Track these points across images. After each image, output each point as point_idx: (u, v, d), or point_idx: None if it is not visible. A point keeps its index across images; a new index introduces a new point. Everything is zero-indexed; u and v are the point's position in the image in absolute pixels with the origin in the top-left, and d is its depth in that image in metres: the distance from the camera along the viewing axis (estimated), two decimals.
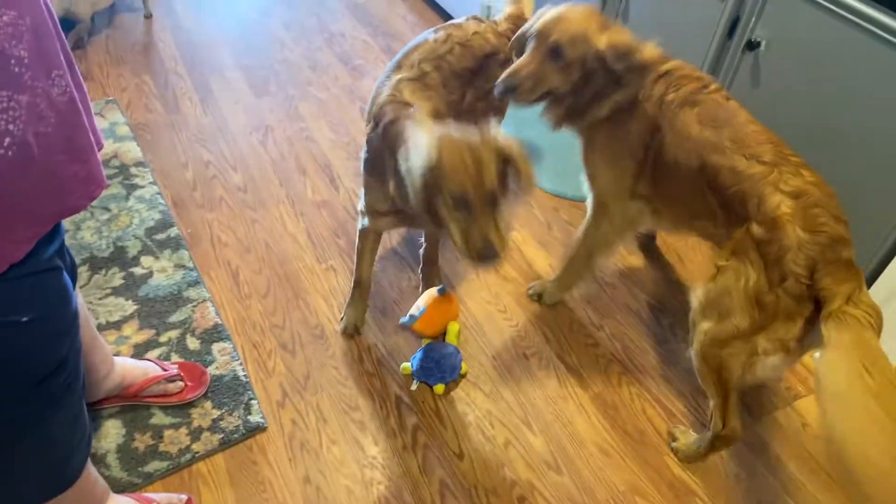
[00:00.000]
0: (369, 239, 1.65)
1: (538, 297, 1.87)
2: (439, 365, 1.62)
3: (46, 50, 0.83)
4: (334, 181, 2.22)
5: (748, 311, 1.25)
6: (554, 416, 1.62)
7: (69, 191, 0.90)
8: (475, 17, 1.67)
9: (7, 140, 0.77)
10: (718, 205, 1.35)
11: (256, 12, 3.06)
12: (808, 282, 1.18)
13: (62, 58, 0.88)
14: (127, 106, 2.45)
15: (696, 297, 1.38)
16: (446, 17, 3.05)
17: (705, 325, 1.35)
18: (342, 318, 1.76)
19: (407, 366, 1.66)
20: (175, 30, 2.89)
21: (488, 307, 1.86)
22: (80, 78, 0.96)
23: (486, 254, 1.19)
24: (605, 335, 1.81)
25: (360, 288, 1.73)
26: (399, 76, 1.46)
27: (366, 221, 1.58)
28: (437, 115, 1.39)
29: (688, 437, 1.56)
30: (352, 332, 1.75)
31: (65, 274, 1.00)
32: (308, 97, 2.58)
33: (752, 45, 1.74)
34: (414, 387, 1.63)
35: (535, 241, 2.06)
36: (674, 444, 1.56)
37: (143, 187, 2.11)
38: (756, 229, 1.23)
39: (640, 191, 1.54)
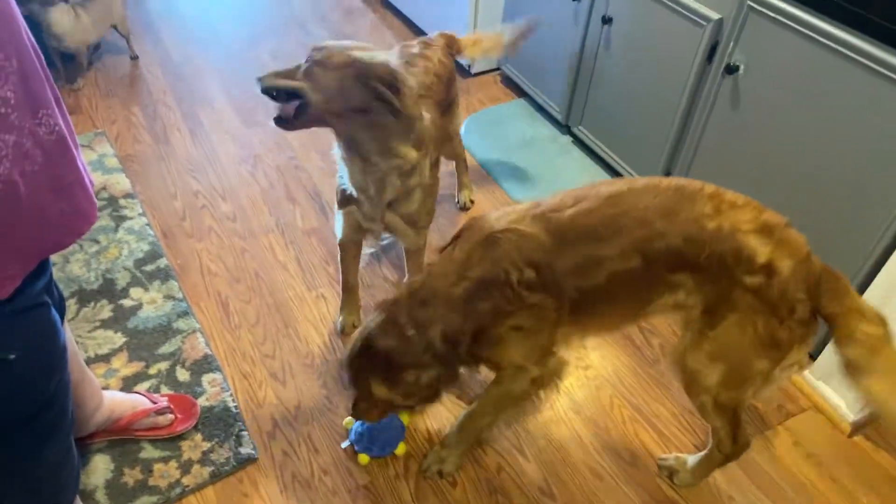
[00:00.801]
0: (348, 250, 1.73)
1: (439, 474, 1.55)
2: (372, 435, 1.53)
3: (33, 90, 0.85)
4: (324, 209, 2.23)
5: (767, 353, 1.23)
6: (546, 440, 1.62)
7: (56, 227, 0.90)
8: (425, 42, 1.80)
9: None
10: (689, 275, 1.24)
11: (243, 42, 3.10)
12: (812, 302, 1.19)
13: (49, 97, 0.89)
14: (116, 138, 2.47)
15: (693, 364, 1.30)
16: None
17: (715, 378, 1.29)
18: (339, 319, 1.83)
19: (350, 420, 1.58)
20: (163, 62, 2.91)
21: None
22: (67, 115, 0.97)
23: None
24: (596, 357, 1.82)
25: (349, 292, 1.81)
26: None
27: (339, 230, 1.66)
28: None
29: (684, 465, 1.55)
30: (350, 331, 1.81)
31: (53, 310, 1.00)
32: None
33: (730, 70, 1.78)
34: (344, 445, 1.56)
35: None
36: (676, 480, 1.54)
37: (132, 219, 2.11)
38: (750, 280, 1.18)
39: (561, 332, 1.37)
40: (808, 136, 1.65)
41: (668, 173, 2.14)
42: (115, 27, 2.79)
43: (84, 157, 1.04)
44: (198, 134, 2.52)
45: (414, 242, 1.70)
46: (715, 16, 1.81)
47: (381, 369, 1.30)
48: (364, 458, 1.54)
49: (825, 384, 1.72)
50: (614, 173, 2.39)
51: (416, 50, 1.73)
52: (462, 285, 1.25)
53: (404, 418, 1.58)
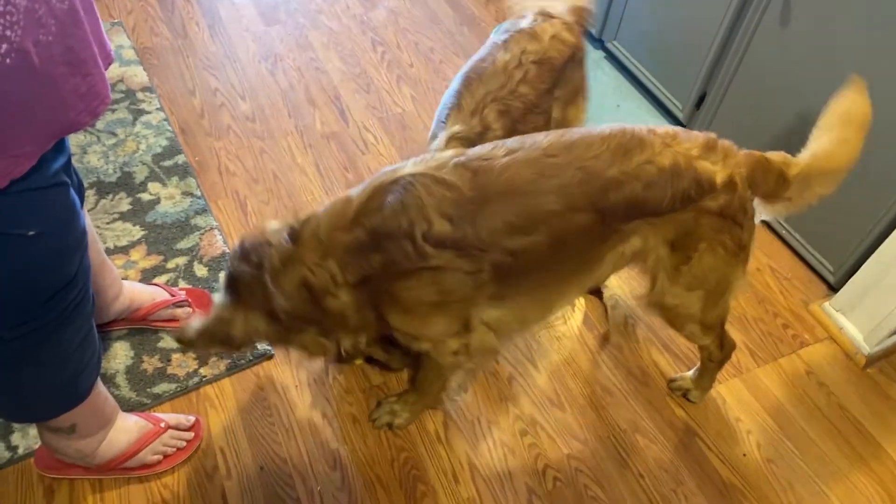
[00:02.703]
0: None
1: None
2: None
3: None
4: (344, 114, 2.18)
5: (738, 261, 1.23)
6: (559, 354, 1.63)
7: (70, 105, 0.87)
8: (543, 14, 1.44)
9: (4, 46, 0.74)
10: (645, 220, 1.14)
11: None
12: (755, 193, 1.20)
13: None
14: (133, 29, 2.39)
15: (672, 300, 1.27)
16: None
17: (698, 306, 1.28)
18: None
19: None
20: None
21: None
22: None
23: None
24: (613, 278, 1.80)
25: None
26: (454, 129, 1.29)
27: None
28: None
29: (687, 380, 1.56)
30: None
31: (72, 191, 0.98)
32: (318, 26, 2.50)
33: None
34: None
35: None
36: (691, 398, 1.55)
37: (149, 113, 2.07)
38: (714, 203, 1.13)
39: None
40: (866, 63, 1.56)
41: (703, 95, 2.05)
42: None
43: None
44: (216, 29, 2.43)
45: None
46: None
47: (234, 294, 1.15)
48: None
49: (844, 316, 1.71)
50: (646, 92, 2.30)
51: (525, 24, 1.42)
52: (354, 232, 1.07)
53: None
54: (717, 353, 1.45)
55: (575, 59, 1.48)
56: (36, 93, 0.80)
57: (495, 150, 1.11)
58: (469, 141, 1.26)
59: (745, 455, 1.49)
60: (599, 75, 2.40)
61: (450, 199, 1.06)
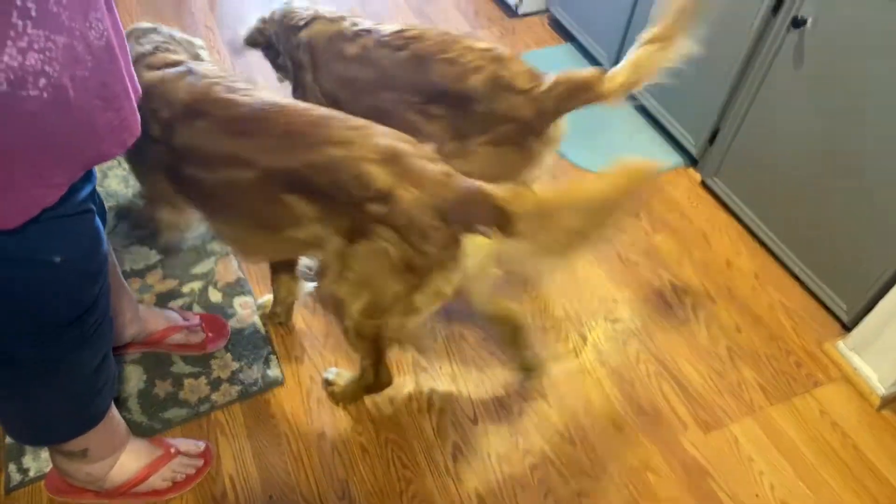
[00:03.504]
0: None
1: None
2: None
3: None
4: None
5: (403, 280, 1.21)
6: (569, 388, 1.63)
7: (102, 138, 0.89)
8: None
9: (43, 81, 0.76)
10: (312, 204, 1.21)
11: None
12: (447, 226, 1.16)
13: (102, 1, 0.87)
14: None
15: (340, 292, 1.29)
16: None
17: (357, 305, 1.28)
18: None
19: None
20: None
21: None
22: (119, 22, 0.94)
23: None
24: (625, 311, 1.80)
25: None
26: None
27: None
28: None
29: (343, 378, 1.55)
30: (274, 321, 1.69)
31: (96, 217, 1.00)
32: None
33: (797, 23, 1.69)
34: None
35: None
36: (330, 389, 1.56)
37: None
38: (373, 207, 1.15)
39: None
40: (876, 102, 1.57)
41: (716, 131, 2.06)
42: None
43: None
44: (237, 59, 2.48)
45: None
46: None
47: None
48: None
49: (858, 356, 1.70)
50: (659, 126, 2.32)
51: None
52: None
53: None
54: (370, 377, 1.45)
55: None
56: (70, 126, 0.83)
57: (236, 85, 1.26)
58: None
59: (757, 496, 1.47)
60: (614, 109, 2.42)
61: (169, 102, 1.25)
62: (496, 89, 1.45)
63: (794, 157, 1.81)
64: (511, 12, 2.84)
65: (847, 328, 1.77)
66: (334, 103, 1.52)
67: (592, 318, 1.78)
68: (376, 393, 1.53)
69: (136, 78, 1.00)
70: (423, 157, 1.18)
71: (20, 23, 0.73)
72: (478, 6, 2.89)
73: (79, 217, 0.95)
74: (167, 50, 1.38)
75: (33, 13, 0.74)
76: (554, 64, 2.62)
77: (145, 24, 1.47)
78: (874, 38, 1.54)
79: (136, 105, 0.98)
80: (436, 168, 1.17)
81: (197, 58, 1.44)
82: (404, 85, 1.51)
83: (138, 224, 1.83)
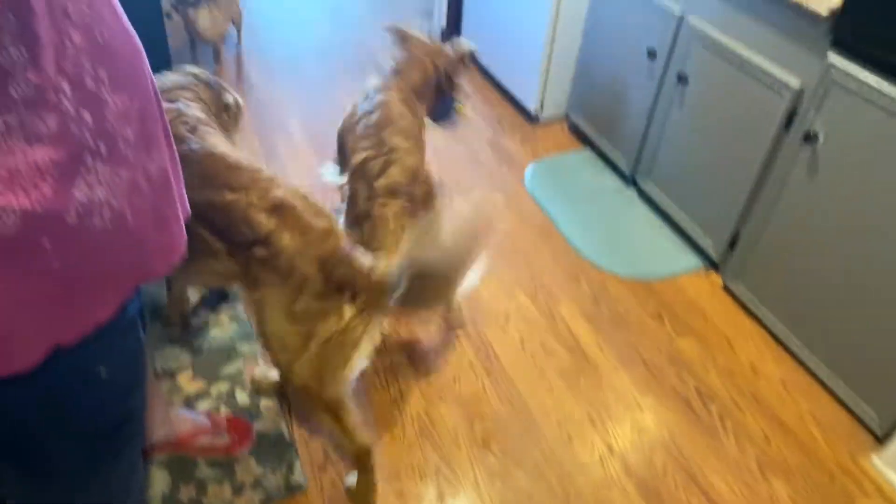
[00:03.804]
0: None
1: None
2: None
3: (149, 129, 0.91)
4: None
5: (294, 325, 1.29)
6: (596, 500, 1.59)
7: (154, 259, 0.95)
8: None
9: (107, 212, 0.83)
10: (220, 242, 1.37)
11: (322, 79, 3.22)
12: (327, 278, 1.26)
13: (161, 134, 0.96)
14: None
15: (264, 345, 1.43)
16: (506, 95, 3.16)
17: (282, 357, 1.37)
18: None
19: None
20: (247, 90, 3.06)
21: (533, 383, 1.86)
22: (175, 151, 1.03)
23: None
24: (652, 419, 1.78)
25: None
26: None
27: None
28: None
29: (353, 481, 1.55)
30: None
31: (141, 330, 1.05)
32: None
33: (809, 138, 1.76)
34: None
35: (582, 317, 2.07)
36: (350, 493, 1.55)
37: None
38: (259, 251, 1.28)
39: None
40: (889, 215, 1.61)
41: (736, 235, 2.11)
42: (232, 21, 3.22)
43: None
44: (272, 160, 2.62)
45: None
46: (796, 84, 1.80)
47: None
48: None
49: (894, 471, 1.65)
50: (679, 230, 2.37)
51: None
52: None
53: None
54: (349, 448, 1.47)
55: None
56: (127, 250, 0.89)
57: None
58: None
59: None
60: (633, 213, 2.49)
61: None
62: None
63: (816, 265, 1.83)
64: (532, 119, 2.98)
65: (880, 440, 1.73)
66: None
67: (618, 426, 1.76)
68: (368, 465, 1.50)
69: (186, 200, 1.08)
70: (312, 211, 1.31)
71: (91, 162, 0.80)
72: (500, 114, 3.04)
73: (127, 331, 0.99)
74: (183, 88, 1.59)
75: (104, 153, 0.82)
76: (574, 168, 2.72)
77: (190, 68, 1.71)
78: (886, 154, 1.59)
79: (184, 226, 1.05)
80: (319, 223, 1.30)
81: (219, 101, 1.67)
82: None
83: (170, 321, 1.89)
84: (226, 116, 1.70)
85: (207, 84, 1.68)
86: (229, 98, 1.73)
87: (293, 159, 2.66)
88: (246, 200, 1.30)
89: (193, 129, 1.44)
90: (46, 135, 0.73)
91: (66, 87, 0.73)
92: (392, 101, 1.78)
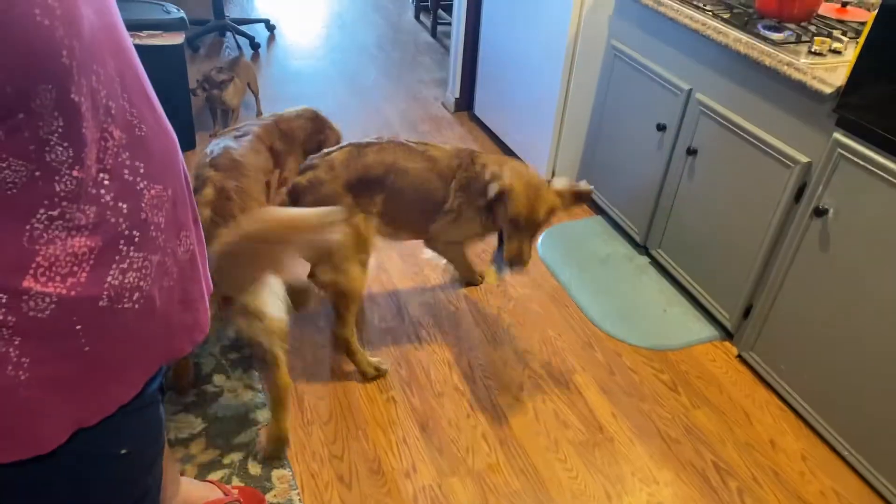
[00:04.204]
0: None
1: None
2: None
3: (179, 214, 0.94)
4: (400, 309, 2.30)
5: None
6: None
7: (178, 338, 0.98)
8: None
9: (137, 295, 0.86)
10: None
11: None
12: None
13: (190, 218, 1.00)
14: None
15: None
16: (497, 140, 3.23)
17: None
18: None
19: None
20: None
21: (548, 454, 1.83)
22: (201, 231, 1.07)
23: (517, 262, 1.82)
24: (669, 494, 1.75)
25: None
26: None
27: None
28: None
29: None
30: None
31: (161, 407, 1.07)
32: None
33: (819, 212, 1.78)
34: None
35: (597, 387, 2.05)
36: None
37: None
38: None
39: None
40: None
41: (749, 307, 2.11)
42: (249, 87, 3.36)
43: None
44: None
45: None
46: (804, 159, 1.84)
47: None
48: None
49: None
50: (692, 299, 2.37)
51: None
52: None
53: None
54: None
55: None
56: (153, 330, 0.92)
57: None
58: None
59: None
60: (645, 280, 2.51)
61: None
62: None
63: (832, 337, 1.82)
64: None
65: None
66: None
67: (635, 501, 1.73)
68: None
69: (210, 278, 1.11)
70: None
71: (125, 248, 0.84)
72: None
73: (148, 409, 1.01)
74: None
75: (136, 239, 0.85)
76: (587, 236, 2.76)
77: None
78: (895, 228, 1.61)
79: (208, 303, 1.07)
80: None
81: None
82: None
83: (183, 388, 1.90)
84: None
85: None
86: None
87: None
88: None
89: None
90: (85, 225, 0.77)
91: (105, 180, 0.78)
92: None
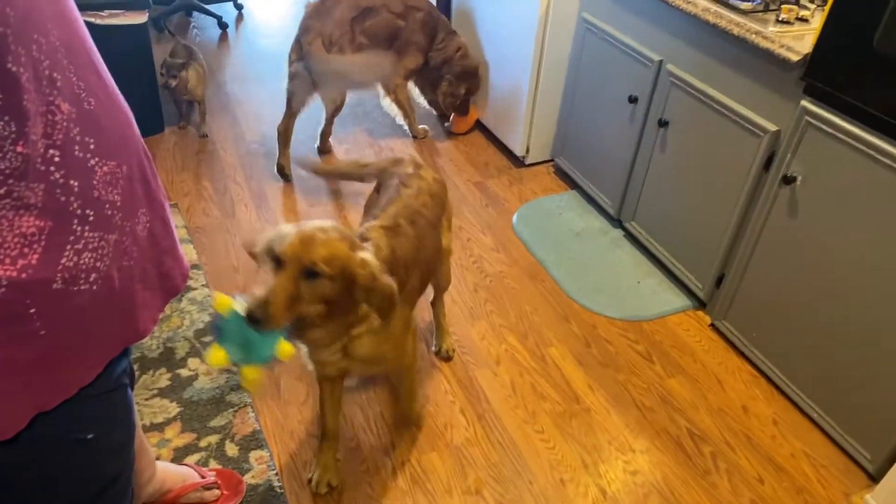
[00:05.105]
0: (325, 388, 1.62)
1: None
2: (245, 337, 1.20)
3: (135, 192, 0.91)
4: None
5: None
6: None
7: (139, 318, 0.95)
8: (417, 163, 1.77)
9: (94, 276, 0.83)
10: None
11: (312, 127, 3.27)
12: None
13: (150, 195, 0.97)
14: (187, 210, 2.61)
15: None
16: (493, 139, 3.21)
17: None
18: (313, 475, 1.66)
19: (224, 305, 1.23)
20: (236, 141, 3.10)
21: (525, 427, 1.85)
22: (167, 209, 1.04)
23: (254, 314, 1.17)
24: (645, 461, 1.78)
25: (327, 439, 1.66)
26: (373, 223, 1.53)
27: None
28: (392, 259, 1.45)
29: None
30: (324, 491, 1.64)
31: (129, 390, 1.05)
32: (358, 207, 2.70)
33: (788, 180, 1.80)
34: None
35: (573, 359, 2.07)
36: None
37: (195, 289, 2.21)
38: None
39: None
40: (869, 253, 1.64)
41: (721, 276, 2.13)
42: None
43: None
44: (263, 209, 2.65)
45: (399, 369, 1.70)
46: (772, 127, 1.85)
47: None
48: (221, 359, 1.19)
49: None
50: (665, 270, 2.40)
51: (410, 170, 1.72)
52: None
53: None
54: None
55: (446, 196, 1.82)
56: (113, 311, 0.90)
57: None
58: (385, 228, 1.53)
59: None
60: (619, 253, 2.52)
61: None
62: None
63: (801, 304, 1.85)
64: (518, 162, 3.03)
65: (874, 478, 1.73)
66: None
67: (611, 469, 1.75)
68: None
69: (182, 258, 1.08)
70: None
71: (79, 228, 0.81)
72: (488, 158, 3.09)
73: (114, 393, 0.99)
74: None
75: (91, 218, 0.82)
76: (561, 210, 2.76)
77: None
78: (862, 193, 1.63)
79: (175, 278, 1.05)
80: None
81: None
82: None
83: None
84: None
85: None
86: None
87: (282, 204, 2.68)
88: None
89: None
90: (34, 204, 0.74)
91: (54, 156, 0.75)
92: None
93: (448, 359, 2.04)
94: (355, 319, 1.39)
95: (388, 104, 3.17)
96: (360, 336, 1.41)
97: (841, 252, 1.71)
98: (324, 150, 3.10)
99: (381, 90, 3.14)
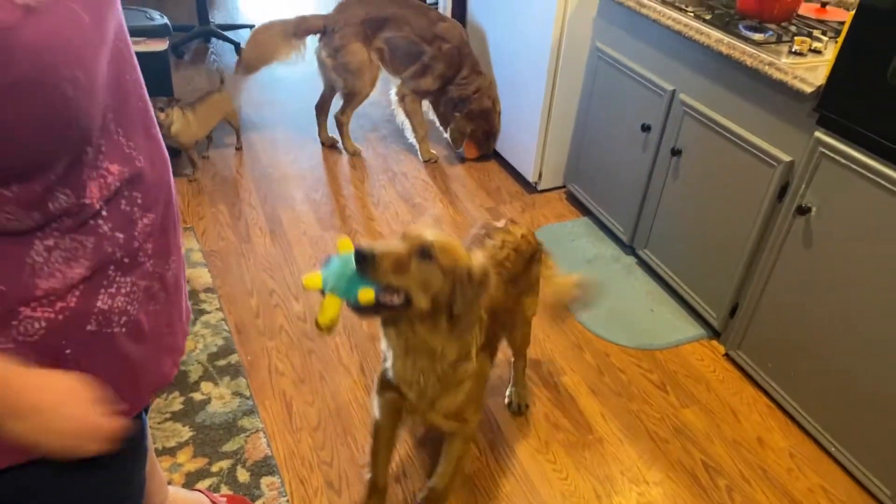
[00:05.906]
0: (382, 436, 1.58)
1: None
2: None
3: (167, 241, 0.94)
4: None
5: None
6: None
7: (164, 361, 0.97)
8: (512, 220, 1.72)
9: (124, 319, 0.85)
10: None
11: (327, 151, 3.32)
12: None
13: (178, 244, 0.99)
14: (202, 234, 2.64)
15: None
16: (505, 165, 3.23)
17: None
18: None
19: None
20: (252, 164, 3.14)
21: (538, 456, 1.83)
22: (182, 257, 1.06)
23: (363, 253, 1.16)
24: (658, 494, 1.75)
25: (376, 492, 1.63)
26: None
27: (376, 412, 1.53)
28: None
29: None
30: None
31: (145, 414, 1.06)
32: (371, 231, 2.72)
33: (802, 210, 1.80)
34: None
35: (586, 388, 2.06)
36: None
37: (209, 313, 2.22)
38: None
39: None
40: (886, 284, 1.63)
41: (735, 305, 2.12)
42: (228, 121, 3.16)
43: None
44: (277, 234, 2.67)
45: (460, 435, 1.57)
46: (786, 157, 1.85)
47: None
48: (316, 282, 1.20)
49: None
50: (679, 298, 2.38)
51: (500, 224, 1.68)
52: None
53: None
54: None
55: (535, 257, 1.73)
56: (142, 354, 0.91)
57: None
58: None
59: None
60: (632, 281, 2.52)
61: None
62: None
63: (817, 335, 1.84)
64: (531, 188, 3.04)
65: None
66: None
67: (625, 501, 1.73)
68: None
69: (188, 300, 1.10)
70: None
71: (114, 274, 0.83)
72: (500, 183, 3.11)
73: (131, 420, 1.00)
74: None
75: (126, 265, 0.85)
76: (573, 237, 2.76)
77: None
78: (877, 224, 1.63)
79: (186, 326, 1.07)
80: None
81: None
82: None
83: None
84: None
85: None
86: None
87: (296, 228, 2.71)
88: None
89: None
90: (83, 255, 0.77)
91: (104, 212, 0.78)
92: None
93: (518, 413, 1.97)
94: (466, 353, 1.34)
95: (400, 117, 3.30)
96: (463, 378, 1.38)
97: (857, 283, 1.70)
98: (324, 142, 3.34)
99: (393, 97, 3.30)
